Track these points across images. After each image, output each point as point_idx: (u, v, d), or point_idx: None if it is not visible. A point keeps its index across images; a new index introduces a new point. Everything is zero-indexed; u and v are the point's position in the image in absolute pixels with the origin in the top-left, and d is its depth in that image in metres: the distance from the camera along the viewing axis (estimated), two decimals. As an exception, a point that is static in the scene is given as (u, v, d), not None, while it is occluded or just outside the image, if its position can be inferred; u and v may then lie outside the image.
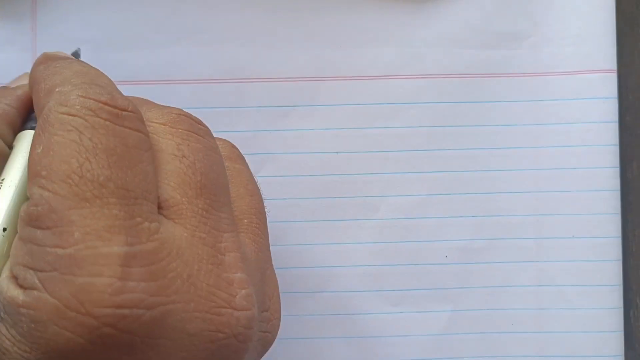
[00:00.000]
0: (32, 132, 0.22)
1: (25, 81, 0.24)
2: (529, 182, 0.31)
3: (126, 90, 0.23)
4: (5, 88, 0.23)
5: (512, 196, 0.31)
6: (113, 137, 0.19)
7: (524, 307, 0.30)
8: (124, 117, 0.20)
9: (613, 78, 0.31)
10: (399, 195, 0.30)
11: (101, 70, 0.22)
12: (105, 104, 0.19)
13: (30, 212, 0.19)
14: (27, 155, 0.21)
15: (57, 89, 0.20)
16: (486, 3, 0.31)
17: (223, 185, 0.22)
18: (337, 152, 0.30)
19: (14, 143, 0.22)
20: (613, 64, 0.31)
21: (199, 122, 0.23)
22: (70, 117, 0.19)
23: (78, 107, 0.19)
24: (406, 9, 0.31)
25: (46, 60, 0.23)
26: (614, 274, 0.30)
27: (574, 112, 0.31)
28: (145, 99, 0.24)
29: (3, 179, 0.21)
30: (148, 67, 0.30)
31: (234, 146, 0.25)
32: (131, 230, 0.19)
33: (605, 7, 0.31)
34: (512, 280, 0.30)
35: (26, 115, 0.23)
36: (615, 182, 0.31)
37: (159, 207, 0.20)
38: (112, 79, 0.22)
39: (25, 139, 0.22)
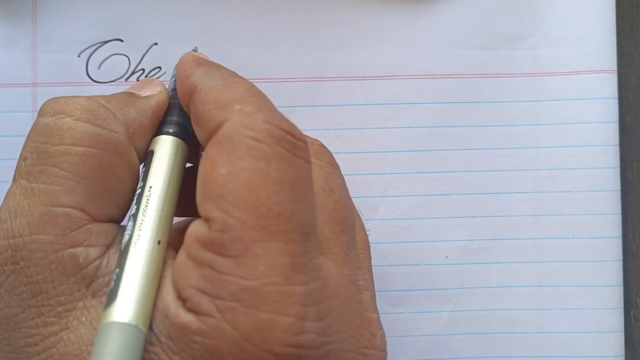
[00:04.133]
0: (171, 138, 0.21)
1: (153, 90, 0.22)
2: (529, 182, 0.31)
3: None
4: (136, 97, 0.22)
5: (512, 196, 0.31)
6: (293, 169, 0.19)
7: (523, 307, 0.30)
8: (299, 147, 0.19)
9: (613, 78, 0.30)
10: (399, 196, 0.30)
11: None
12: (287, 132, 0.19)
13: (213, 238, 0.18)
14: (168, 162, 0.20)
15: (236, 107, 0.19)
16: (486, 3, 0.31)
17: (354, 223, 0.22)
18: (337, 152, 0.30)
19: (152, 147, 0.21)
20: (613, 65, 0.31)
21: (333, 156, 0.23)
22: (258, 144, 0.19)
23: (265, 133, 0.19)
24: (406, 9, 0.31)
25: (200, 65, 0.22)
26: (614, 274, 0.30)
27: (574, 113, 0.30)
28: None
29: (151, 187, 0.20)
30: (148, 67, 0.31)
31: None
32: (306, 268, 0.18)
33: (605, 7, 0.30)
34: (512, 281, 0.30)
35: (158, 123, 0.22)
36: (616, 183, 0.30)
37: None
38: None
39: (163, 145, 0.21)
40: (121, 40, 0.30)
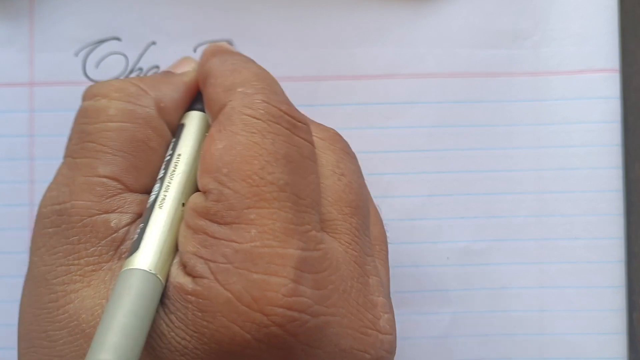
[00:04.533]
0: (200, 113, 0.23)
1: (188, 67, 0.24)
2: (531, 182, 0.30)
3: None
4: (171, 74, 0.24)
5: (514, 197, 0.30)
6: (291, 146, 0.20)
7: (525, 308, 0.30)
8: (299, 127, 0.20)
9: (616, 78, 0.30)
10: (400, 196, 0.30)
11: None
12: (285, 113, 0.20)
13: (208, 207, 0.19)
14: (196, 135, 0.22)
15: (239, 89, 0.21)
16: (488, 2, 0.31)
17: (367, 210, 0.23)
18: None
19: (183, 121, 0.23)
20: (616, 64, 0.30)
21: (349, 146, 0.24)
22: (255, 120, 0.20)
23: (262, 111, 0.20)
24: (406, 8, 0.31)
25: (218, 53, 0.23)
26: (617, 275, 0.30)
27: (577, 112, 0.30)
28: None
29: (179, 155, 0.21)
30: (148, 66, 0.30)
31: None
32: (303, 236, 0.19)
33: (608, 6, 0.30)
34: (514, 282, 0.30)
35: (191, 98, 0.23)
36: (618, 183, 0.30)
37: None
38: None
39: (193, 119, 0.23)
40: (119, 39, 0.30)
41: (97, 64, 0.30)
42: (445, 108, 0.31)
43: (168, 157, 0.21)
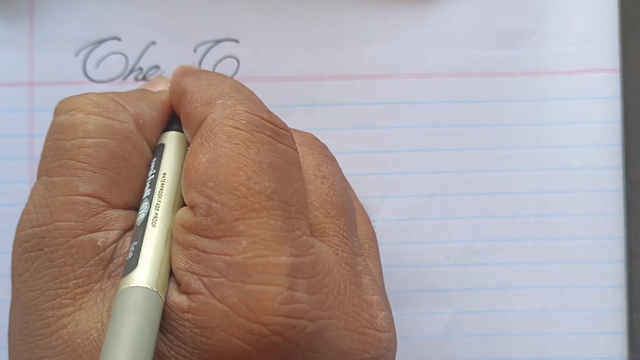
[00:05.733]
0: (178, 133, 0.22)
1: (163, 86, 0.24)
2: (531, 182, 0.30)
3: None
4: (147, 92, 0.23)
5: (514, 197, 0.30)
6: (275, 153, 0.20)
7: (525, 308, 0.30)
8: (282, 135, 0.20)
9: (616, 78, 0.30)
10: (400, 196, 0.30)
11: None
12: (268, 121, 0.20)
13: (197, 222, 0.19)
14: (178, 154, 0.22)
15: (218, 101, 0.21)
16: (488, 2, 0.31)
17: (353, 210, 0.23)
18: (337, 152, 0.30)
19: (162, 141, 0.22)
20: (616, 64, 0.30)
21: (327, 148, 0.24)
22: (237, 131, 0.20)
23: (244, 121, 0.20)
24: (406, 8, 0.31)
25: (189, 72, 0.23)
26: (617, 275, 0.30)
27: (577, 112, 0.30)
28: None
29: (164, 174, 0.21)
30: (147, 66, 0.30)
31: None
32: (294, 242, 0.19)
33: (608, 5, 0.30)
34: (514, 282, 0.30)
35: (167, 118, 0.23)
36: (619, 183, 0.30)
37: None
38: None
39: (173, 139, 0.22)
40: (119, 39, 0.30)
41: (97, 64, 0.30)
42: (446, 108, 0.31)
43: (152, 176, 0.21)
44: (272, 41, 0.30)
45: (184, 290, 0.19)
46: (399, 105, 0.31)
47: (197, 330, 0.18)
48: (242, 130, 0.20)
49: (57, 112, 0.21)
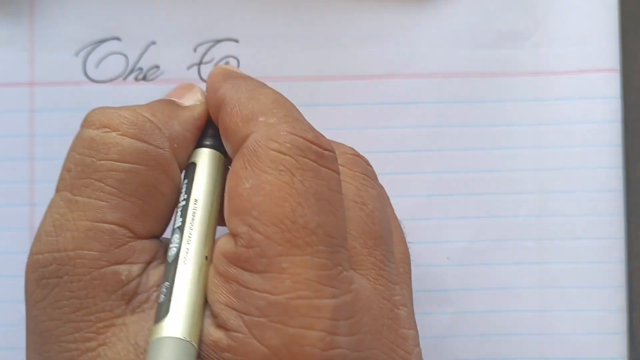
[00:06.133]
0: (211, 150, 0.21)
1: (194, 97, 0.23)
2: (531, 182, 0.30)
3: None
4: (179, 108, 0.22)
5: (514, 197, 0.30)
6: (320, 180, 0.19)
7: (526, 308, 0.30)
8: (326, 157, 0.19)
9: (616, 77, 0.30)
10: (400, 196, 0.30)
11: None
12: (312, 142, 0.19)
13: (239, 253, 0.18)
14: (210, 175, 0.21)
15: (260, 119, 0.20)
16: (488, 2, 0.31)
17: (390, 235, 0.22)
18: (337, 153, 0.31)
19: (193, 159, 0.21)
20: (616, 64, 0.30)
21: (368, 164, 0.23)
22: (282, 156, 0.19)
23: (289, 145, 0.19)
24: (406, 8, 0.31)
25: (228, 78, 0.22)
26: (618, 275, 0.30)
27: (577, 112, 0.30)
28: None
29: (196, 200, 0.20)
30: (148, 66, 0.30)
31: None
32: (335, 281, 0.18)
33: (608, 6, 0.30)
34: (514, 282, 0.30)
35: (199, 134, 0.22)
36: (619, 183, 0.30)
37: None
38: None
39: (204, 158, 0.21)
40: (119, 39, 0.30)
41: (97, 64, 0.30)
42: (446, 108, 0.31)
43: (183, 203, 0.20)
44: (272, 41, 0.30)
45: (221, 324, 0.18)
46: (399, 105, 0.31)
47: None
48: (286, 155, 0.19)
49: (88, 124, 0.20)
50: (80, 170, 0.19)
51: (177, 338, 0.18)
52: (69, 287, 0.19)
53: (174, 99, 0.23)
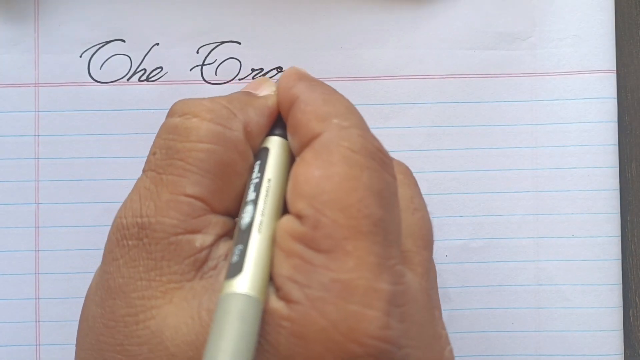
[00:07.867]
0: (281, 139, 0.22)
1: (269, 89, 0.24)
2: (528, 181, 0.31)
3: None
4: (254, 97, 0.23)
5: (512, 196, 0.31)
6: (383, 182, 0.20)
7: (523, 306, 0.30)
8: (387, 165, 0.21)
9: (612, 78, 0.31)
10: (399, 195, 0.31)
11: None
12: (378, 149, 0.21)
13: (304, 232, 0.19)
14: (281, 161, 0.22)
15: (334, 120, 0.21)
16: (486, 4, 0.31)
17: (433, 243, 0.23)
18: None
19: (266, 145, 0.22)
20: (612, 65, 0.31)
21: (417, 181, 0.24)
22: (353, 154, 0.20)
23: (360, 146, 0.20)
24: (406, 9, 0.31)
25: (303, 78, 0.23)
26: (613, 273, 0.30)
27: (573, 112, 0.31)
28: None
29: (269, 179, 0.21)
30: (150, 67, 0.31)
31: None
32: (390, 271, 0.19)
33: (604, 7, 0.31)
34: (511, 280, 0.31)
35: (272, 123, 0.23)
36: (615, 182, 0.31)
37: None
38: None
39: (276, 145, 0.22)
40: (123, 41, 0.30)
41: (101, 65, 0.30)
42: (444, 108, 0.31)
43: (257, 180, 0.21)
44: (273, 42, 0.31)
45: (283, 297, 0.19)
46: (398, 106, 0.31)
47: (293, 340, 0.18)
48: (356, 153, 0.20)
49: (172, 113, 0.22)
50: (165, 153, 0.21)
51: (247, 295, 0.18)
52: (147, 249, 0.20)
53: (250, 90, 0.24)
